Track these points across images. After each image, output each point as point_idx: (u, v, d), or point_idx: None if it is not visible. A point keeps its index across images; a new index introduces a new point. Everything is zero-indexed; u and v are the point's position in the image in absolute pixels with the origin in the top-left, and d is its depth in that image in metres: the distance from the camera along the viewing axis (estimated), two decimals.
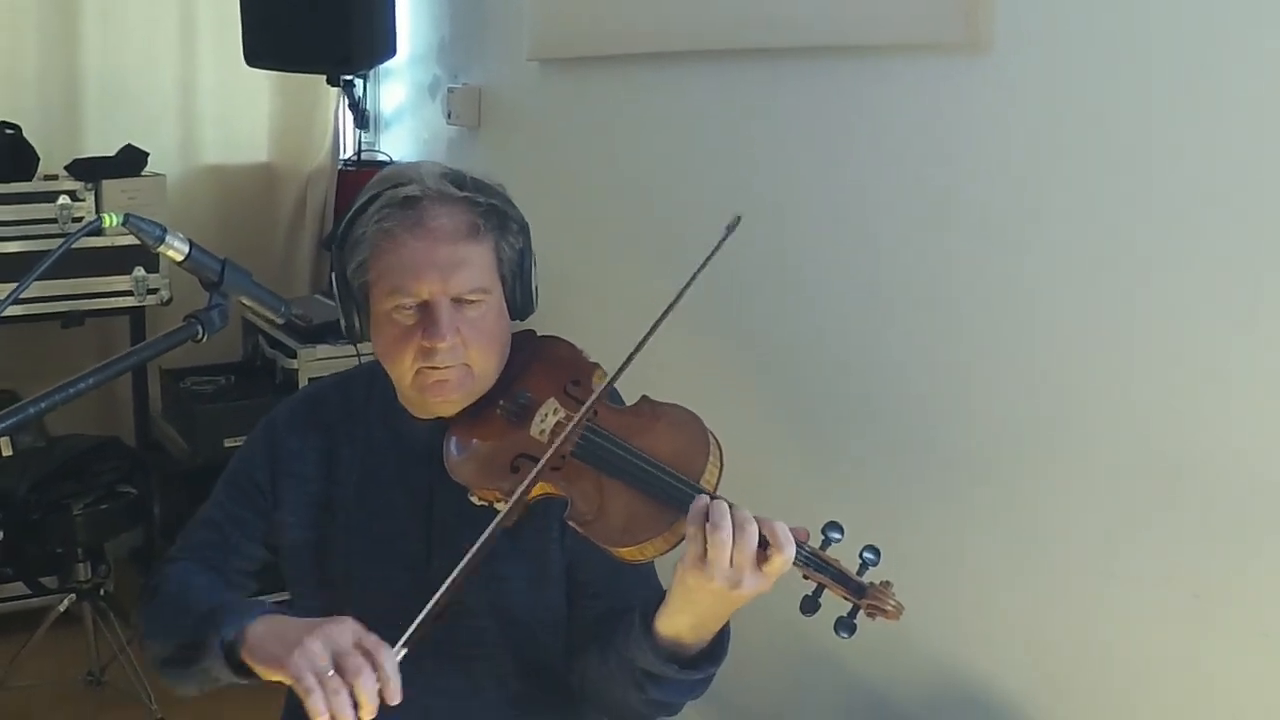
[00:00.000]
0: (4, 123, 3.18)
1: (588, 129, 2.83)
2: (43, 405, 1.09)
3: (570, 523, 1.29)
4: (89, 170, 3.23)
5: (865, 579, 1.22)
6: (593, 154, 2.81)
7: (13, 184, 3.11)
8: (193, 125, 3.69)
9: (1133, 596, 1.68)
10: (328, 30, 3.25)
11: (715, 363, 2.42)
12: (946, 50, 1.87)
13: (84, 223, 3.05)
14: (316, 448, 1.53)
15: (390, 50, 3.42)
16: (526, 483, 1.27)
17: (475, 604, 1.44)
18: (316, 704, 1.16)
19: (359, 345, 1.51)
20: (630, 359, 1.32)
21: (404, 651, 1.20)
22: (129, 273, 3.24)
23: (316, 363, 3.16)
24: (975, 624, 1.92)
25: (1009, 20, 1.78)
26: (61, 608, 2.93)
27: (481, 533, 1.27)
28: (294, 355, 3.18)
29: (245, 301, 1.31)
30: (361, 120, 3.76)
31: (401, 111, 3.78)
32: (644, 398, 1.41)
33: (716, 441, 1.32)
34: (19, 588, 3.20)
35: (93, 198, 3.20)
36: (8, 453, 3.10)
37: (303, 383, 3.12)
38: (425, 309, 1.37)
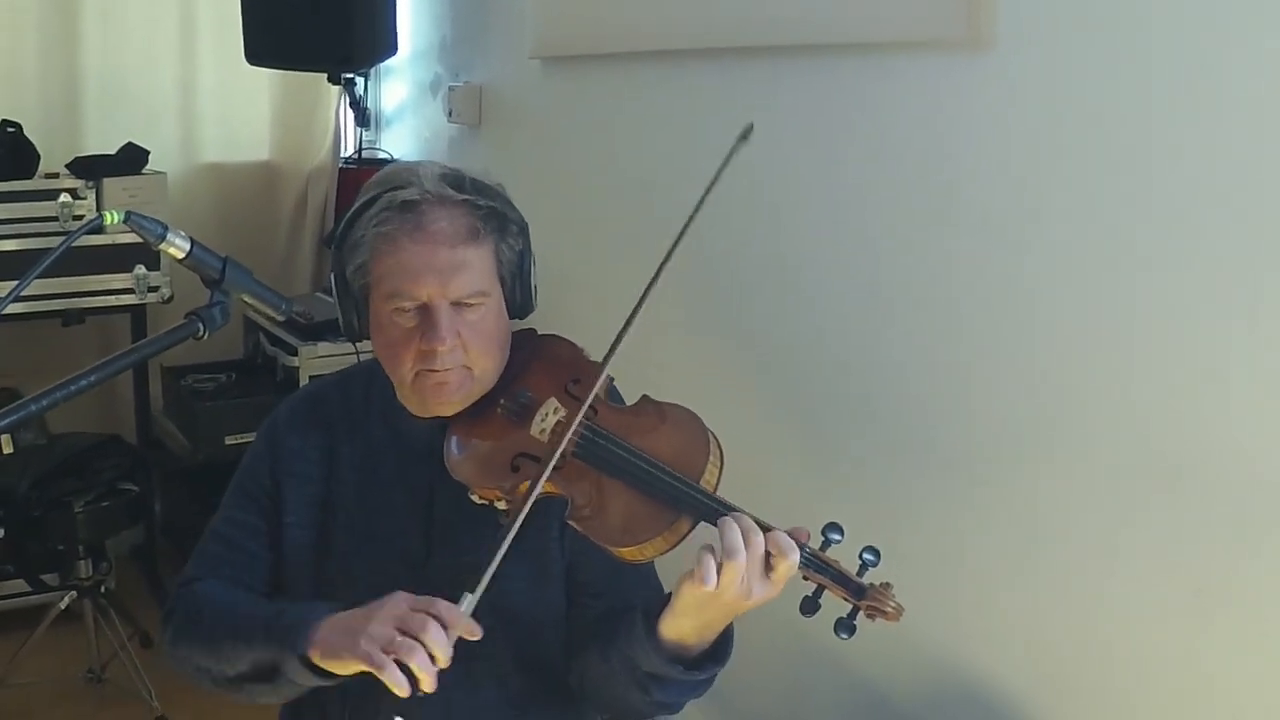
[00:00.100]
0: (5, 121, 3.18)
1: (589, 127, 2.83)
2: (44, 403, 1.09)
3: (571, 522, 1.29)
4: (90, 168, 3.23)
5: (865, 580, 1.22)
6: (594, 152, 2.80)
7: (13, 182, 3.11)
8: (193, 123, 3.69)
9: (1133, 595, 1.68)
10: (329, 28, 3.25)
11: (715, 362, 2.42)
12: (948, 48, 1.87)
13: (85, 220, 3.06)
14: (317, 446, 1.53)
15: (391, 48, 3.42)
16: (531, 495, 1.26)
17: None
18: (393, 676, 1.19)
19: (358, 344, 1.52)
20: (618, 340, 1.32)
21: (473, 602, 1.22)
22: (130, 271, 3.24)
23: (317, 360, 3.16)
24: (976, 623, 1.92)
25: (1011, 18, 1.78)
26: (62, 605, 2.94)
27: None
28: (295, 353, 3.19)
29: (246, 299, 1.31)
30: (362, 118, 3.76)
31: (403, 110, 3.78)
32: (644, 397, 1.41)
33: (717, 441, 1.32)
34: (20, 585, 3.21)
35: (93, 196, 3.20)
36: (9, 450, 3.10)
37: (304, 380, 3.12)
38: (425, 312, 1.37)
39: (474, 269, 1.38)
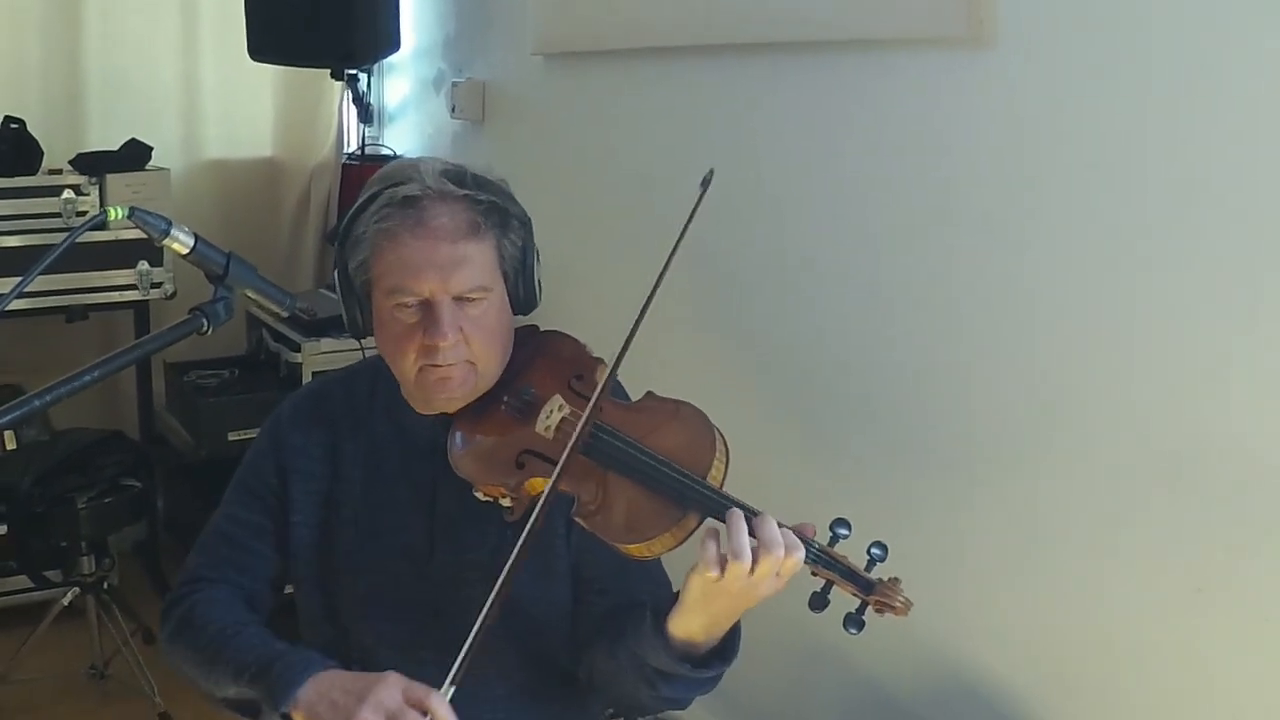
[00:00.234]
0: (8, 117, 3.18)
1: (591, 123, 2.83)
2: (47, 399, 1.09)
3: (577, 519, 1.29)
4: (93, 164, 3.23)
5: (873, 575, 1.23)
6: (596, 148, 2.80)
7: (17, 178, 3.11)
8: (196, 120, 3.68)
9: (1133, 592, 1.68)
10: (332, 24, 3.24)
11: (715, 360, 2.42)
12: (949, 45, 1.87)
13: (89, 216, 3.06)
14: (321, 443, 1.53)
15: (394, 44, 3.42)
16: (541, 503, 1.26)
17: (481, 597, 1.43)
18: None
19: (362, 340, 1.52)
20: (625, 348, 1.32)
21: (453, 690, 1.22)
22: (133, 267, 3.24)
23: (320, 356, 3.16)
24: (977, 621, 1.92)
25: (1011, 16, 1.77)
26: (65, 601, 2.93)
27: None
28: (298, 349, 3.18)
29: (250, 294, 1.31)
30: (365, 115, 3.75)
31: (406, 106, 3.78)
32: (649, 394, 1.41)
33: (722, 437, 1.32)
34: (23, 581, 3.20)
35: (97, 192, 3.19)
36: (12, 446, 3.10)
37: (307, 376, 3.12)
38: (427, 307, 1.37)
39: (475, 264, 1.38)
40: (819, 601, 1.23)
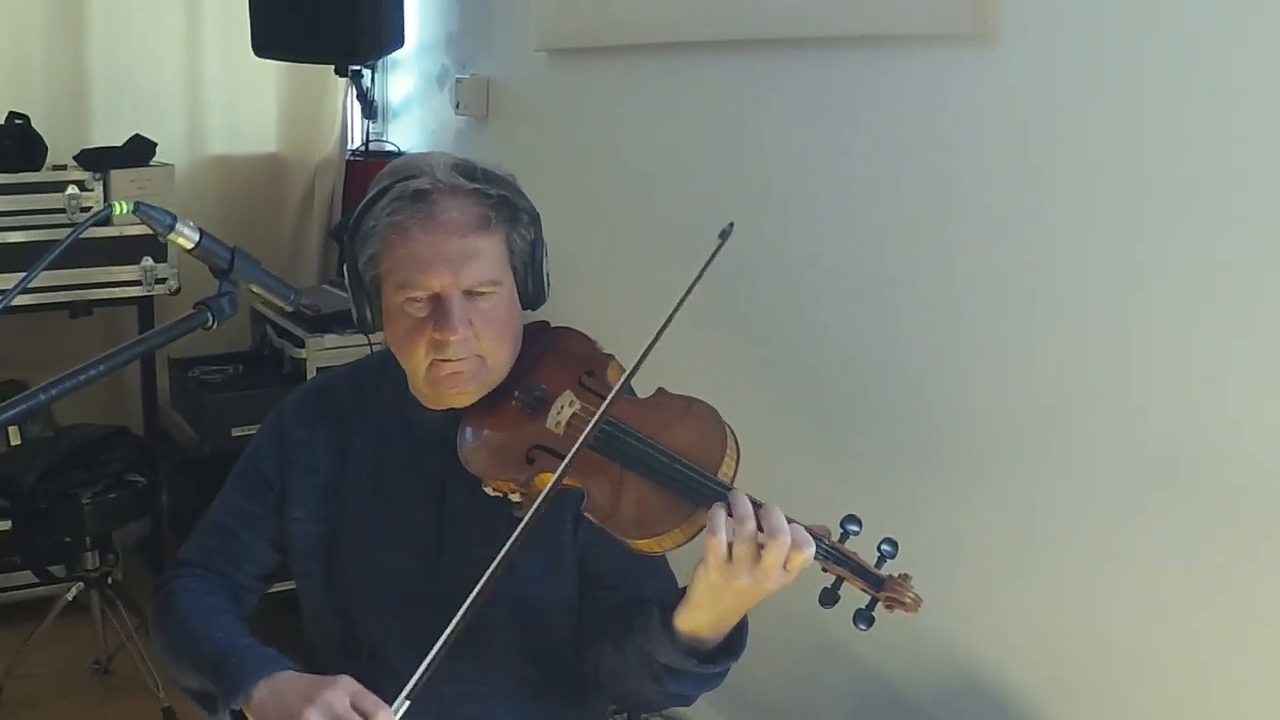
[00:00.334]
0: (12, 113, 3.18)
1: (595, 120, 2.83)
2: (51, 394, 1.08)
3: (586, 515, 1.29)
4: (97, 160, 3.23)
5: (884, 571, 1.22)
6: (600, 145, 2.80)
7: (21, 174, 3.11)
8: (200, 115, 3.68)
9: (1134, 593, 1.68)
10: (336, 20, 3.24)
11: (721, 357, 2.42)
12: (954, 41, 1.86)
13: (93, 211, 3.06)
14: (325, 438, 1.53)
15: (398, 40, 3.42)
16: (545, 494, 1.25)
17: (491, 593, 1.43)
18: None
19: (370, 335, 1.51)
20: (639, 364, 1.32)
21: (406, 704, 1.20)
22: (137, 262, 3.23)
23: (324, 352, 3.15)
24: (979, 619, 1.92)
25: (1017, 12, 1.77)
26: (69, 596, 2.94)
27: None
28: (302, 344, 3.18)
29: (255, 289, 1.31)
30: (369, 110, 3.75)
31: (410, 102, 3.78)
32: (660, 390, 1.41)
33: (733, 433, 1.32)
34: (27, 576, 3.21)
35: (101, 187, 3.19)
36: (16, 442, 3.10)
37: (311, 372, 3.11)
38: (437, 301, 1.36)
39: (485, 258, 1.37)
40: (829, 597, 1.23)
